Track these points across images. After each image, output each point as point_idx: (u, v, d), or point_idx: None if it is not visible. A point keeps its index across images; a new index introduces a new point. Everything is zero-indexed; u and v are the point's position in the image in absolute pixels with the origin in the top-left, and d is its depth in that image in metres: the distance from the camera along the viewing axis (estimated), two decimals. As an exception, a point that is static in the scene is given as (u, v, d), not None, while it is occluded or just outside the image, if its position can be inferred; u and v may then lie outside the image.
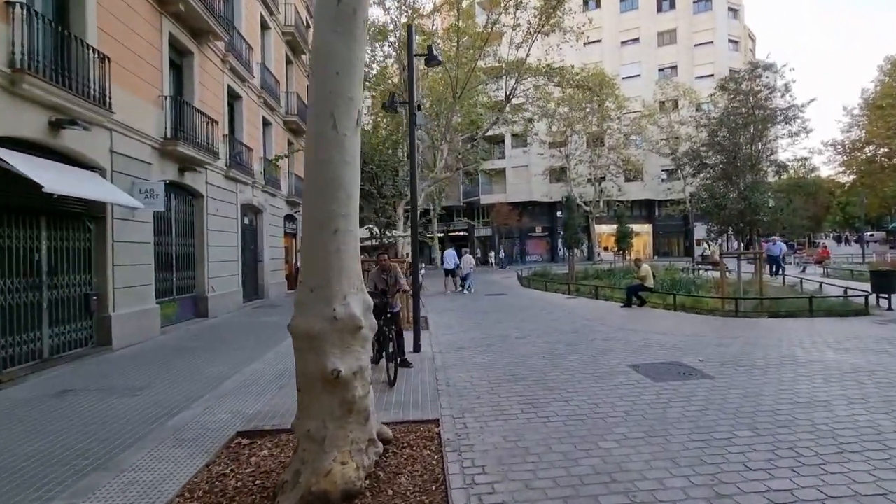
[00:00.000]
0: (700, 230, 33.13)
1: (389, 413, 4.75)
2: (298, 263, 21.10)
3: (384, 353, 5.98)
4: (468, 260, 18.11)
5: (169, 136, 9.76)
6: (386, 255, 6.55)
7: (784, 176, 16.06)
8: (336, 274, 3.37)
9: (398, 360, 6.60)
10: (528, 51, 19.74)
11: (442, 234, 42.30)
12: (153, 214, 9.33)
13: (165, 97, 9.81)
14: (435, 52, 7.95)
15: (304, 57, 22.01)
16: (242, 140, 14.28)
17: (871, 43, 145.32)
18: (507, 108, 23.79)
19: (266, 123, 16.57)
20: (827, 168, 41.68)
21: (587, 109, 33.70)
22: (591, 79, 22.16)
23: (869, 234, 32.82)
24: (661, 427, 4.17)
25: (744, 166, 10.99)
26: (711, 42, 39.27)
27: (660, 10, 40.42)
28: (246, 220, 14.87)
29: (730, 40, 40.02)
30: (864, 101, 35.63)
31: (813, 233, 38.09)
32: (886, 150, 36.44)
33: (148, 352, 8.07)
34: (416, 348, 7.55)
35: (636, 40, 39.80)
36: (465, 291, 17.07)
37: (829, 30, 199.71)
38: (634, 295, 11.85)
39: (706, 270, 19.52)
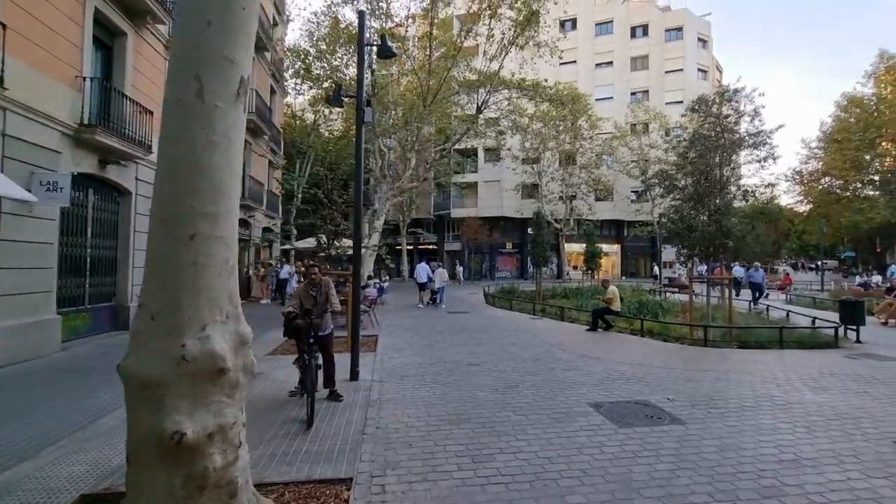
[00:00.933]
0: (668, 252, 33.44)
1: (293, 468, 3.78)
2: (251, 272, 19.96)
3: (304, 386, 5.00)
4: (441, 273, 17.89)
5: (87, 122, 8.55)
6: (317, 269, 5.60)
7: (750, 201, 15.97)
8: (189, 295, 2.42)
9: (330, 391, 5.63)
10: (502, 62, 19.34)
11: (411, 247, 41.44)
12: (60, 211, 8.07)
13: (85, 79, 8.62)
14: (389, 44, 7.15)
15: (267, 55, 20.97)
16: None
17: (833, 79, 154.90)
18: (480, 121, 23.34)
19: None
20: (787, 197, 43.12)
21: (560, 127, 33.77)
22: (564, 95, 21.92)
23: (823, 262, 33.79)
24: (626, 494, 3.36)
25: (713, 188, 10.62)
26: (681, 70, 40.36)
27: (633, 36, 41.33)
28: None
29: (699, 69, 41.24)
30: (822, 134, 37.11)
31: (773, 259, 39.17)
32: (841, 182, 38.09)
33: (31, 372, 6.78)
34: (353, 376, 6.57)
35: (610, 63, 40.48)
36: (439, 305, 16.89)
37: (794, 66, 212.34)
38: (600, 318, 11.22)
39: (673, 293, 19.31)
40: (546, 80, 20.68)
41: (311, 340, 5.03)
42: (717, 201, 10.37)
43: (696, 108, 16.11)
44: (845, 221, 33.86)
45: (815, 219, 35.53)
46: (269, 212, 21.84)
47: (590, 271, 24.67)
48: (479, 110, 20.29)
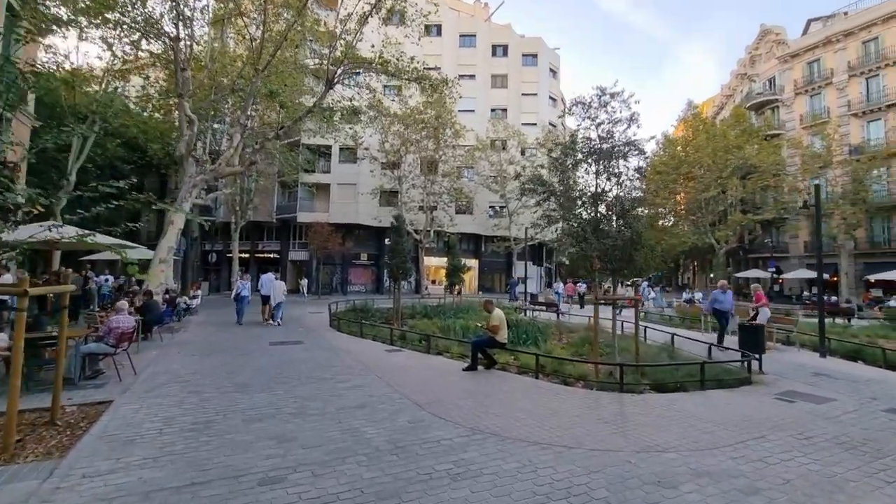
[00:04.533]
0: (522, 267, 33.50)
1: None
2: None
3: None
4: (278, 287, 14.28)
5: None
6: None
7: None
8: None
9: None
10: (360, 30, 15.77)
11: (246, 255, 34.48)
12: None
13: None
14: None
15: None
16: None
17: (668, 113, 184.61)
18: (336, 109, 19.28)
19: None
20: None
21: (423, 133, 31.48)
22: (433, 79, 19.17)
23: (648, 279, 37.81)
24: None
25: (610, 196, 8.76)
26: (536, 94, 42.08)
27: (494, 54, 41.86)
28: None
29: (550, 96, 43.64)
30: (646, 165, 41.99)
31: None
32: (653, 212, 43.84)
33: None
34: None
35: (472, 77, 40.12)
36: (278, 322, 14.25)
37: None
38: (481, 353, 8.25)
39: (542, 311, 17.82)
40: (413, 58, 17.70)
41: None
42: (625, 205, 8.38)
43: (571, 110, 14.78)
44: (664, 245, 38.40)
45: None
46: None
47: (452, 287, 22.55)
48: (329, 84, 16.26)
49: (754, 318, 10.71)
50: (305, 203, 34.59)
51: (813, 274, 30.69)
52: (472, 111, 38.99)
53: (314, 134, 25.99)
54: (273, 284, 14.17)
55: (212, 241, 35.09)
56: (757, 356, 8.23)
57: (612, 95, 14.11)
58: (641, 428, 5.28)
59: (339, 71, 16.46)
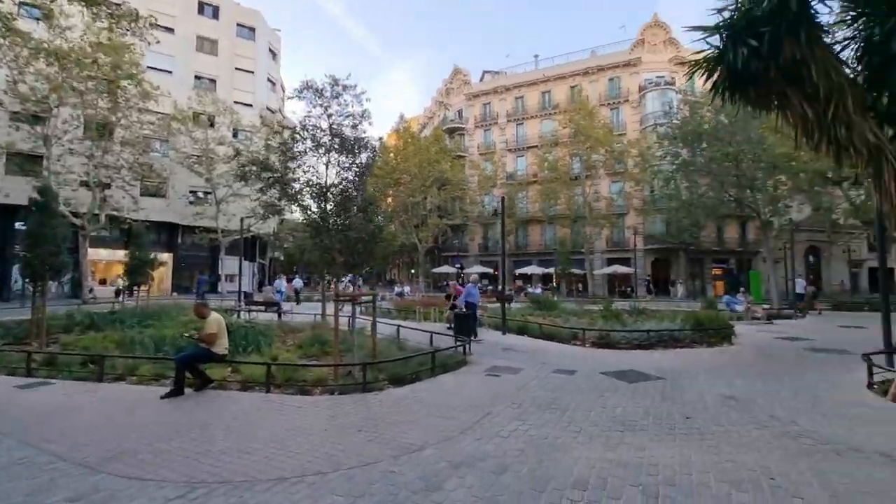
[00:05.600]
0: (233, 264, 29.65)
1: None
2: None
3: None
4: None
5: None
6: None
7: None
8: None
9: None
10: None
11: None
12: None
13: None
14: None
15: None
16: None
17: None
18: None
19: None
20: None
21: (91, 84, 23.48)
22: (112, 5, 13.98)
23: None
24: None
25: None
26: (253, 73, 38.23)
27: (201, 12, 35.63)
28: None
29: (269, 79, 40.49)
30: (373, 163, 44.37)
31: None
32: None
33: None
34: None
35: (171, 30, 32.88)
36: None
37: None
38: (190, 370, 6.35)
39: (260, 311, 15.91)
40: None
41: None
42: (359, 198, 8.08)
43: (302, 94, 13.79)
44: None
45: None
46: None
47: (135, 288, 17.10)
48: None
49: (453, 307, 12.61)
50: None
51: (486, 269, 39.42)
52: (170, 73, 32.14)
53: None
54: None
55: None
56: (470, 339, 9.47)
57: (345, 88, 13.92)
58: (394, 428, 5.00)
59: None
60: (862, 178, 7.21)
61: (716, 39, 8.02)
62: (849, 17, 8.35)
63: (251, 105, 36.08)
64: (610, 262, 36.58)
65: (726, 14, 7.90)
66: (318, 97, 13.56)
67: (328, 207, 9.66)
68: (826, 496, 3.51)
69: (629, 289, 35.34)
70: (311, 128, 13.12)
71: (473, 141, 44.89)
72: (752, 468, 4.00)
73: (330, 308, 12.40)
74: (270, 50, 41.07)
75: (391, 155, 38.30)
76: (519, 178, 40.16)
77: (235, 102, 34.83)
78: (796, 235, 26.70)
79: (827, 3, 7.62)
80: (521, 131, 42.77)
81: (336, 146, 13.04)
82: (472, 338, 11.33)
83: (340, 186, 11.73)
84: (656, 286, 35.67)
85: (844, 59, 7.45)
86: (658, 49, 39.23)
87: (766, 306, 18.72)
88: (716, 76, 7.99)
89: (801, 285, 23.79)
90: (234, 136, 32.53)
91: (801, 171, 21.30)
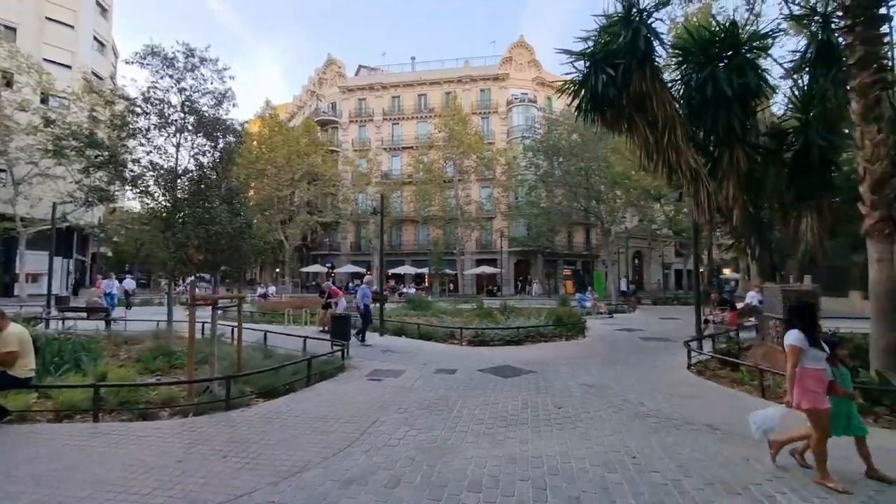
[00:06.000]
0: (36, 260, 23.82)
1: None
2: None
3: None
4: None
5: None
6: None
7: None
8: None
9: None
10: None
11: None
12: None
13: None
14: None
15: None
16: None
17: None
18: None
19: None
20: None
21: None
22: None
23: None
24: None
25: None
26: (72, 27, 31.35)
27: (-5, -62, 28.01)
28: None
29: (97, 38, 33.68)
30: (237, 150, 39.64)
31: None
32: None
33: None
34: None
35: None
36: None
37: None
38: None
39: (81, 319, 12.95)
40: None
41: None
42: (223, 187, 7.04)
43: (146, 61, 11.69)
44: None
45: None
46: None
47: None
48: None
49: (326, 306, 12.06)
50: None
51: (359, 269, 38.43)
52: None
53: None
54: None
55: None
56: (346, 343, 8.99)
57: (204, 61, 12.16)
58: (269, 450, 4.40)
59: None
60: (685, 195, 8.63)
61: (580, 64, 9.03)
62: (674, 63, 10.11)
63: (69, 66, 29.56)
64: (478, 262, 38.76)
65: (589, 43, 8.95)
66: (168, 67, 11.64)
67: (181, 196, 8.25)
68: (674, 466, 4.05)
69: (496, 288, 37.91)
70: (156, 101, 11.17)
71: (348, 136, 43.54)
72: (617, 449, 4.45)
73: (178, 313, 10.71)
74: (99, 3, 34.23)
75: (254, 143, 35.05)
76: (394, 178, 40.15)
77: (46, 60, 28.19)
78: (622, 242, 31.67)
79: (665, 46, 9.12)
80: (397, 131, 42.83)
81: (191, 126, 11.35)
82: (361, 342, 10.91)
83: (199, 173, 10.20)
84: (517, 285, 38.96)
85: (677, 96, 8.99)
86: (524, 68, 42.88)
87: (606, 303, 21.68)
88: (580, 97, 9.00)
89: (623, 284, 28.36)
90: (44, 101, 26.33)
91: (633, 188, 25.27)
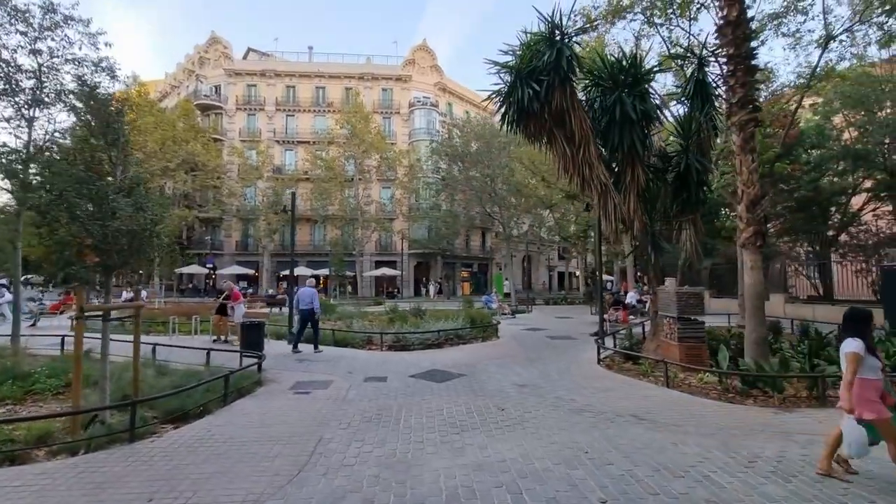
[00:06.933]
0: None
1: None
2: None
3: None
4: None
5: None
6: None
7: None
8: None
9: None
10: None
11: None
12: None
13: None
14: None
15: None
16: None
17: None
18: None
19: None
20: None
21: None
22: None
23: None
24: None
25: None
26: None
27: None
28: None
29: None
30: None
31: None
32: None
33: None
34: None
35: None
36: None
37: None
38: None
39: None
40: None
41: None
42: (119, 176, 5.86)
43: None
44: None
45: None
46: None
47: None
48: None
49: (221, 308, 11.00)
50: None
51: (245, 270, 35.18)
52: None
53: None
54: None
55: None
56: (258, 353, 8.15)
57: (69, 19, 10.13)
58: (207, 485, 3.75)
59: None
60: (596, 207, 9.47)
61: (506, 77, 9.43)
62: (582, 85, 11.09)
63: None
64: (378, 264, 38.17)
65: (510, 57, 9.38)
66: (18, 20, 9.56)
67: (34, 182, 6.60)
68: (622, 457, 4.39)
69: (395, 290, 37.67)
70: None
71: (234, 124, 39.68)
72: (569, 446, 4.69)
73: (44, 324, 8.74)
74: None
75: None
76: (288, 173, 37.62)
77: None
78: (518, 246, 33.92)
79: (583, 68, 9.91)
80: (291, 123, 40.23)
81: (49, 98, 9.37)
82: (293, 350, 10.01)
83: (85, 156, 8.44)
84: (417, 287, 39.24)
85: (592, 115, 9.83)
86: (426, 72, 43.40)
87: (508, 303, 22.91)
88: (506, 107, 9.39)
89: (508, 286, 30.38)
90: None
91: (530, 196, 27.18)
